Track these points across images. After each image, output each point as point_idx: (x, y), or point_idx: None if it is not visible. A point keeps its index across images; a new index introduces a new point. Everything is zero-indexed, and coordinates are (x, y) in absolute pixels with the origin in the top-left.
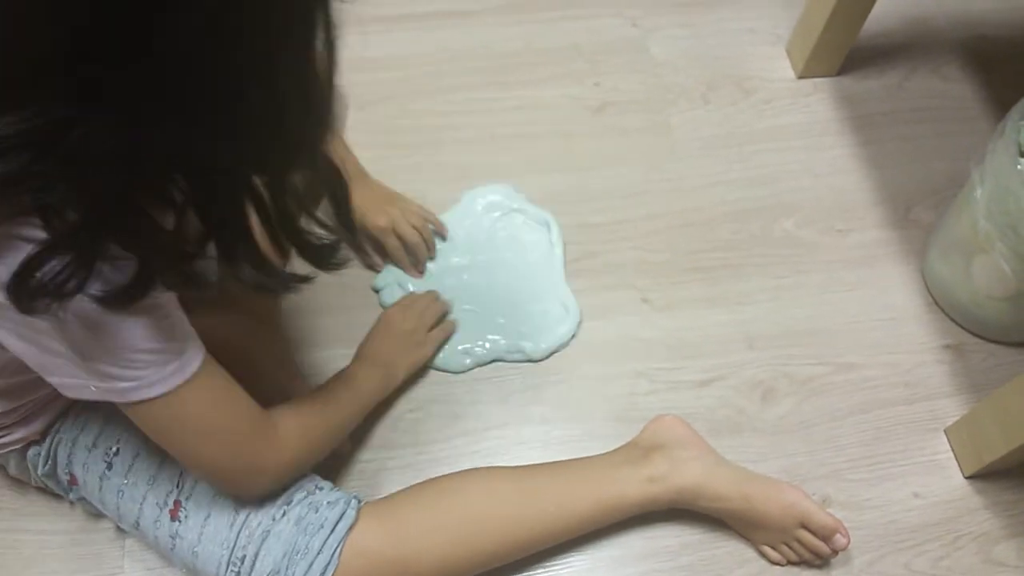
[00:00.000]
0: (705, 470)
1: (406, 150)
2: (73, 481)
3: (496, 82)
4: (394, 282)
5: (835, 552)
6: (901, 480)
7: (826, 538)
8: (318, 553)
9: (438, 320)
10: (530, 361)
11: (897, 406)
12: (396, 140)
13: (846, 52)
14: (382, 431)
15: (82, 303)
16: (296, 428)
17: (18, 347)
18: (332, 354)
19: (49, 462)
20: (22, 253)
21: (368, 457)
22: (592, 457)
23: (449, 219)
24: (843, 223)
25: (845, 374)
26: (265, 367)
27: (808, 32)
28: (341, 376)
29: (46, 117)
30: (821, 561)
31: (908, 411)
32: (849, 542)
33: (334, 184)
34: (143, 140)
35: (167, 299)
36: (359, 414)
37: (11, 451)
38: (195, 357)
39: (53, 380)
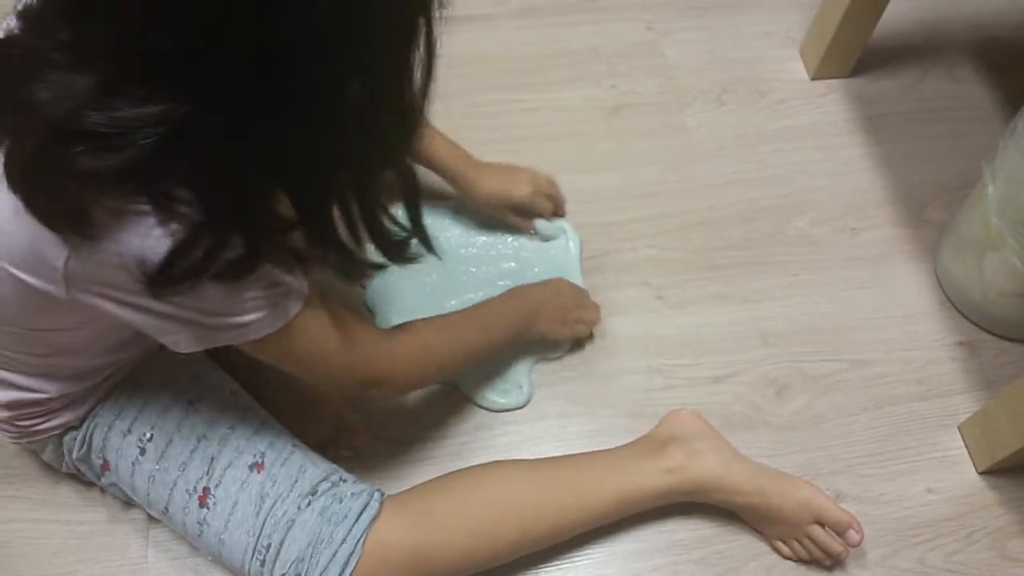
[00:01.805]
0: (722, 462)
1: None
2: (106, 466)
3: (514, 84)
4: (380, 275)
5: (847, 549)
6: (915, 476)
7: (840, 533)
8: (342, 542)
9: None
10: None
11: (910, 402)
12: None
13: (859, 54)
14: (401, 425)
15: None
16: (414, 348)
17: (128, 316)
18: None
19: (84, 447)
20: (148, 236)
21: (388, 451)
22: (611, 449)
23: (467, 217)
24: (857, 222)
25: (859, 371)
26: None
27: (821, 34)
28: (480, 303)
29: (170, 110)
30: (831, 561)
31: (921, 407)
32: (863, 538)
33: (410, 186)
34: (254, 132)
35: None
36: (487, 339)
37: (51, 436)
38: (296, 301)
39: (165, 340)
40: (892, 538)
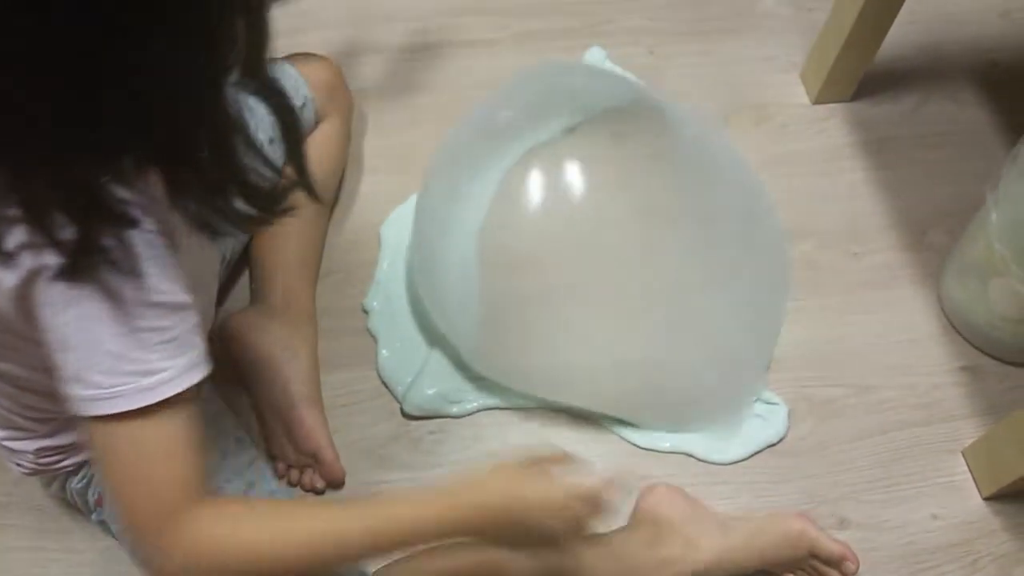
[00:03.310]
0: (717, 548)
1: None
2: (99, 502)
3: None
4: (385, 301)
5: None
6: (919, 501)
7: (836, 565)
8: None
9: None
10: None
11: (914, 428)
12: (418, 167)
13: (860, 78)
14: (403, 452)
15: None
16: (208, 542)
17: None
18: None
19: (84, 480)
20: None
21: (391, 478)
22: (601, 535)
23: None
24: (859, 246)
25: (863, 396)
26: (288, 379)
27: (823, 58)
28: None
29: None
30: None
31: (926, 432)
32: (858, 567)
33: (282, 116)
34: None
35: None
36: (361, 543)
37: (68, 472)
38: (169, 384)
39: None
40: (897, 565)
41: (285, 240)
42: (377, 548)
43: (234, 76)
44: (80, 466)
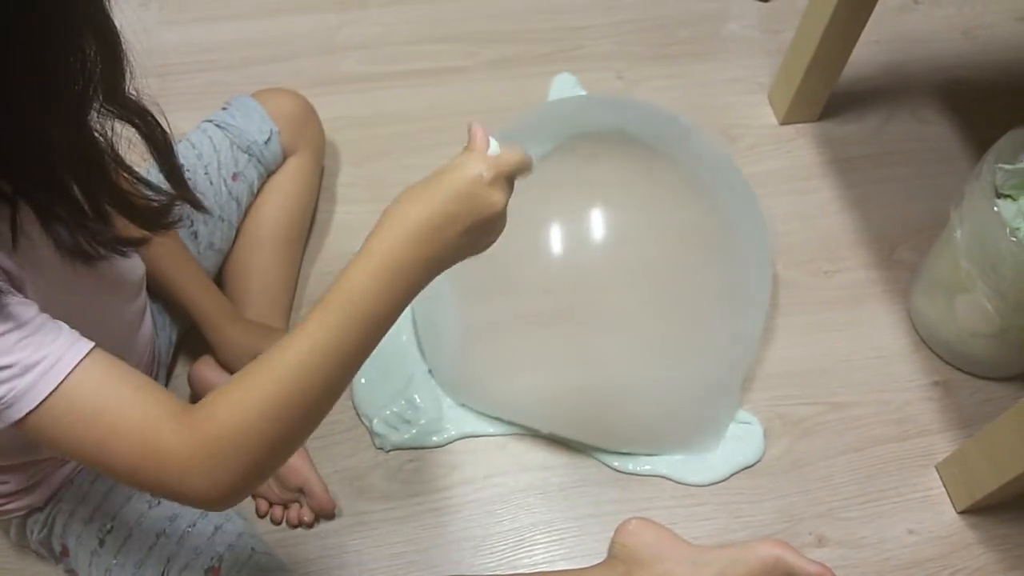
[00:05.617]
0: None
1: None
2: (64, 553)
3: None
4: None
5: None
6: (895, 517)
7: None
8: None
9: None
10: None
11: (888, 443)
12: (392, 195)
13: (826, 98)
14: (382, 483)
15: None
16: (226, 406)
17: None
18: None
19: (45, 529)
20: None
21: (368, 508)
22: (573, 574)
23: None
24: (829, 264)
25: (836, 413)
26: None
27: (789, 79)
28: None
29: None
30: None
31: (899, 448)
32: None
33: (153, 135)
34: None
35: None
36: (347, 343)
37: (13, 518)
38: (62, 361)
39: None
40: None
41: (253, 275)
42: (364, 328)
43: (97, 103)
44: (31, 512)
